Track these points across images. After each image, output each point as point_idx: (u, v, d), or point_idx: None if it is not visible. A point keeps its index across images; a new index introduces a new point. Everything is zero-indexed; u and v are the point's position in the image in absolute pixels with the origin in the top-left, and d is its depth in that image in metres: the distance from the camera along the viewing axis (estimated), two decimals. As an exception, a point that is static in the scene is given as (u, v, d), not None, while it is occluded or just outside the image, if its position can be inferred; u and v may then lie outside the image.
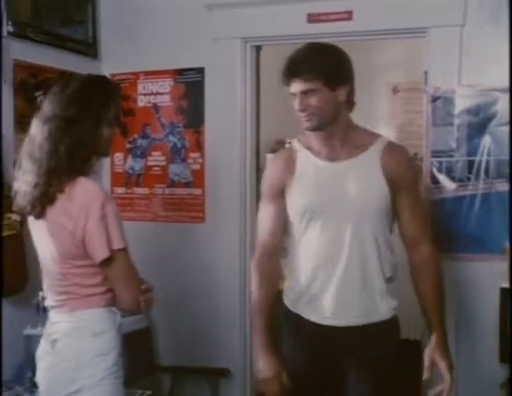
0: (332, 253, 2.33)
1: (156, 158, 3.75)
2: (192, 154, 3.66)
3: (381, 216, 2.33)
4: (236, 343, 3.60)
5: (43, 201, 2.13)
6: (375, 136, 2.41)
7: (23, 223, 2.98)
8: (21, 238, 3.01)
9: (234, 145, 3.57)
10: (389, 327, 2.40)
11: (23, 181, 2.16)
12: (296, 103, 2.31)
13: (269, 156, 4.25)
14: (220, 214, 3.61)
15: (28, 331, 2.92)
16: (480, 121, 3.05)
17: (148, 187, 3.77)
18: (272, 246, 2.49)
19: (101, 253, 2.09)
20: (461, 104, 3.08)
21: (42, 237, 2.21)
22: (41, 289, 2.85)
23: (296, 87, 2.28)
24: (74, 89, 2.18)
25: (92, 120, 2.15)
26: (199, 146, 3.64)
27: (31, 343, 2.84)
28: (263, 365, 2.42)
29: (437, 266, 2.41)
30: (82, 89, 2.19)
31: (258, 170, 3.92)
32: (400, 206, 2.37)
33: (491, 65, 3.00)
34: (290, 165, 2.43)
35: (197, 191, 3.65)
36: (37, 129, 2.17)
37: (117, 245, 2.10)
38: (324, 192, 2.35)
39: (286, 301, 2.49)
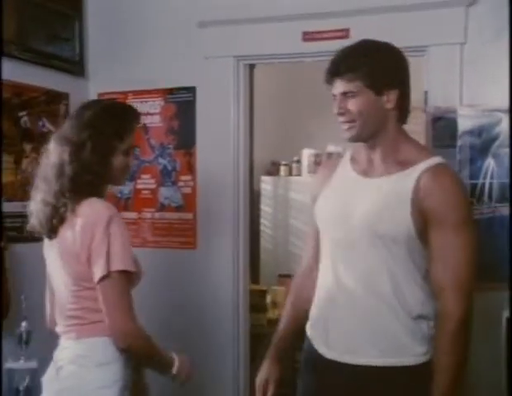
0: (338, 276, 2.16)
1: (145, 181, 3.73)
2: (183, 177, 3.64)
3: (399, 246, 2.07)
4: (229, 380, 3.57)
5: (52, 222, 2.21)
6: (425, 154, 2.14)
7: (6, 248, 2.97)
8: (4, 265, 2.99)
9: (227, 167, 3.55)
10: (417, 373, 2.09)
11: (36, 201, 2.25)
12: (334, 106, 2.14)
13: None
14: (212, 240, 3.58)
15: (10, 364, 2.88)
16: (482, 143, 3.03)
17: (137, 211, 3.75)
18: (308, 264, 2.40)
19: (99, 272, 2.12)
20: (462, 125, 3.07)
21: (54, 258, 2.27)
22: (24, 319, 2.82)
23: (337, 88, 2.11)
24: (90, 115, 2.25)
25: (102, 147, 2.22)
26: (190, 168, 3.62)
27: (13, 378, 2.80)
28: (261, 369, 2.39)
29: (461, 329, 2.03)
30: (99, 115, 2.26)
31: (253, 193, 3.91)
32: (430, 243, 2.07)
33: (494, 84, 2.99)
34: (326, 177, 2.30)
35: (188, 216, 3.63)
36: (51, 150, 2.26)
37: (116, 266, 2.12)
38: (339, 209, 2.18)
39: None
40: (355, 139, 2.15)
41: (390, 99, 2.10)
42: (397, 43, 3.17)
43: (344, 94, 2.09)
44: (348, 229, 2.14)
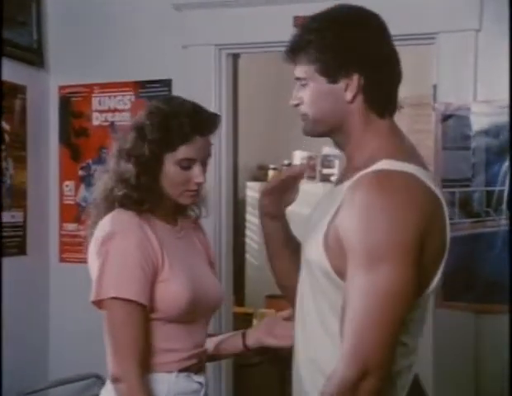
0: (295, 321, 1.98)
1: (113, 188, 3.69)
2: (157, 183, 3.60)
3: (320, 281, 1.79)
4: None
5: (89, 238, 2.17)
6: (378, 158, 1.77)
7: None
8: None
9: (208, 172, 3.50)
10: None
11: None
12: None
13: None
14: (189, 255, 3.54)
15: None
16: (500, 144, 3.02)
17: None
18: None
19: (90, 297, 2.03)
20: (477, 123, 3.06)
21: None
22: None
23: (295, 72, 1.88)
24: (141, 116, 2.17)
25: (145, 155, 2.11)
26: (165, 173, 3.58)
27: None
28: None
29: None
30: (148, 116, 2.15)
31: (237, 201, 3.88)
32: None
33: (512, 77, 2.99)
34: None
35: (163, 227, 3.59)
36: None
37: (106, 292, 1.99)
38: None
39: None
40: (308, 133, 1.93)
41: (349, 88, 1.80)
42: (402, 29, 3.17)
43: (299, 81, 1.88)
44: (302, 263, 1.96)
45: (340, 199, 1.74)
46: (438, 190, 1.76)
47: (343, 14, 1.86)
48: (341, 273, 1.71)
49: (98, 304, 2.02)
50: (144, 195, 2.10)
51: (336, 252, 1.72)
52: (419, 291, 1.72)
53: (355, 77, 1.79)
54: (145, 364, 2.02)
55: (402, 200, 1.67)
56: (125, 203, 2.10)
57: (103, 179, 2.16)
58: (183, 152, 2.10)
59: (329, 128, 1.88)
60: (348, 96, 1.80)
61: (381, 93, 1.84)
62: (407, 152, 1.82)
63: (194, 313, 2.12)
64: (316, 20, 1.86)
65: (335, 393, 1.65)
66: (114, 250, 2.01)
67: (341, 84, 1.80)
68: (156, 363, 2.07)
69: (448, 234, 1.78)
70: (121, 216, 2.07)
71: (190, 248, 2.25)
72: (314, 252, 1.79)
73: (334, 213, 1.74)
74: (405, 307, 1.66)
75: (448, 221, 1.78)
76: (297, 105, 1.90)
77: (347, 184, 1.76)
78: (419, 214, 1.67)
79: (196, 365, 2.15)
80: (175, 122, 2.11)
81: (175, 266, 2.08)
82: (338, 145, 1.94)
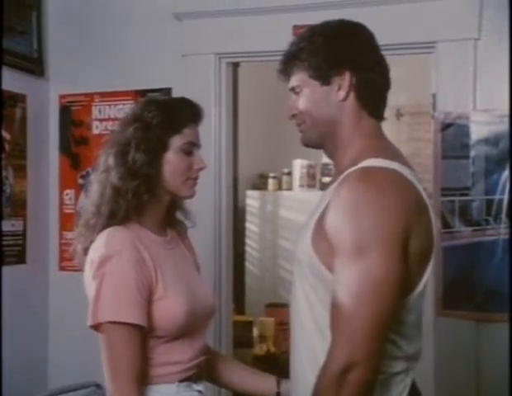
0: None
1: (113, 196, 3.68)
2: (157, 191, 3.60)
3: (314, 282, 1.82)
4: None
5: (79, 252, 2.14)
6: (364, 157, 1.82)
7: None
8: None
9: (207, 181, 3.51)
10: None
11: (78, 226, 2.17)
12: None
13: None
14: (189, 264, 3.54)
15: None
16: (499, 153, 3.01)
17: (103, 231, 3.70)
18: None
19: (88, 321, 2.00)
20: (476, 132, 3.06)
21: None
22: None
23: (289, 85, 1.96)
24: (136, 109, 2.18)
25: (150, 142, 2.10)
26: (165, 182, 3.58)
27: None
28: None
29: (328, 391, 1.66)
30: (145, 108, 2.15)
31: (237, 210, 3.87)
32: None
33: (512, 86, 2.99)
34: None
35: (163, 236, 3.58)
36: (99, 160, 2.18)
37: (104, 316, 1.96)
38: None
39: None
40: (307, 141, 1.97)
41: (342, 87, 1.86)
42: (401, 38, 3.19)
43: (294, 91, 1.94)
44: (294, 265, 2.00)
45: (328, 199, 1.79)
46: (422, 189, 1.80)
47: (333, 24, 1.94)
48: (332, 269, 1.74)
49: (96, 327, 1.99)
50: (151, 186, 2.08)
51: (325, 249, 1.76)
52: (408, 289, 1.75)
53: (347, 76, 1.86)
54: (145, 379, 2.00)
55: (387, 194, 1.71)
56: (122, 213, 2.05)
57: (101, 180, 2.10)
58: (188, 134, 2.14)
59: (325, 132, 1.92)
60: (341, 94, 1.87)
61: (373, 92, 1.90)
62: (392, 152, 1.86)
63: (192, 326, 2.10)
64: (307, 31, 1.94)
65: (323, 384, 1.67)
66: (109, 273, 1.97)
67: (334, 85, 1.88)
68: (157, 375, 2.05)
69: (435, 233, 1.82)
70: (115, 236, 2.03)
71: (181, 259, 2.24)
72: (303, 252, 1.84)
73: (322, 211, 1.79)
74: (392, 297, 1.68)
75: (433, 221, 1.82)
76: (294, 115, 1.95)
77: (334, 185, 1.81)
78: (403, 207, 1.72)
79: (195, 374, 2.13)
80: (176, 106, 2.17)
81: (169, 282, 2.06)
82: (328, 153, 1.98)
